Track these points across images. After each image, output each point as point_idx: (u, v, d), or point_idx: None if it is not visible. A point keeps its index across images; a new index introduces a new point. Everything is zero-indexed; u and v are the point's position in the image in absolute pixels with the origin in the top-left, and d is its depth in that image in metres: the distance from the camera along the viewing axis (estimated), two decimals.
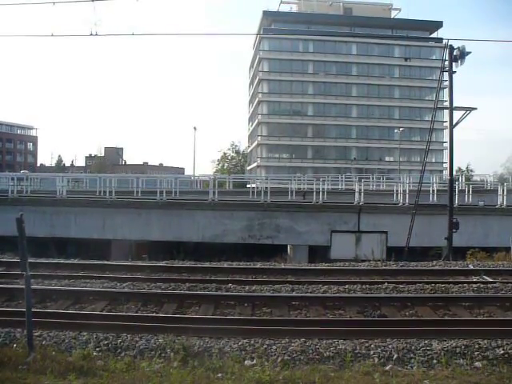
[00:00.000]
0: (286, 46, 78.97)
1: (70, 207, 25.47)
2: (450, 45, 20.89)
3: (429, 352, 7.39)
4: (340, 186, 38.22)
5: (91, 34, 14.23)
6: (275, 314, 9.43)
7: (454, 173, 27.68)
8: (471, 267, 14.50)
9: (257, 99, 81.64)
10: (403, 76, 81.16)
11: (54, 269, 12.89)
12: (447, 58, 21.18)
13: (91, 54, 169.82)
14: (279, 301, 10.09)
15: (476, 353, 7.37)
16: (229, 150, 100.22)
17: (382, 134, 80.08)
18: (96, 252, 20.50)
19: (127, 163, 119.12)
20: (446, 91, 23.65)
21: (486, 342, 7.64)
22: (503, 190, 27.23)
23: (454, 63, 21.00)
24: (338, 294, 10.66)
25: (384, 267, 14.46)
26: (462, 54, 20.60)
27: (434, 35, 78.83)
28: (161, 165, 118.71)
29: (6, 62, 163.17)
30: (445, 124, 61.35)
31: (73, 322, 8.30)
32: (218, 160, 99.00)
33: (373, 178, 42.01)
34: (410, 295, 10.74)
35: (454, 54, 20.78)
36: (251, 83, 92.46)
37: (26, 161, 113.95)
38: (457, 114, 22.37)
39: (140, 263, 14.68)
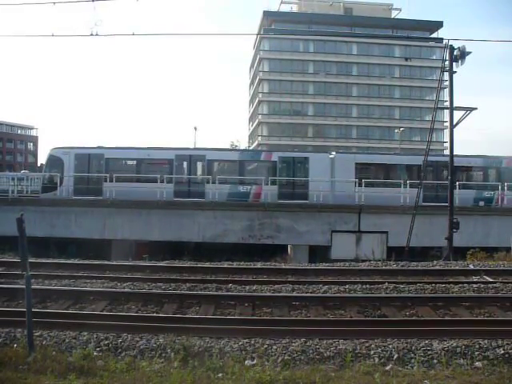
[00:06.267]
0: (287, 46, 78.90)
1: (71, 207, 25.49)
2: (451, 45, 20.90)
3: (429, 352, 7.38)
4: None
5: (91, 34, 14.25)
6: (276, 314, 9.43)
7: None
8: (472, 267, 14.50)
9: (257, 99, 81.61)
10: (404, 76, 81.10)
11: (55, 269, 12.91)
12: (447, 58, 21.19)
13: (91, 55, 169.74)
14: (280, 301, 10.09)
15: (476, 353, 7.37)
16: None
17: (382, 134, 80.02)
18: (96, 252, 20.53)
19: None
20: (447, 91, 23.63)
21: (486, 341, 7.64)
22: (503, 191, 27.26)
23: (454, 63, 21.01)
24: (338, 294, 10.66)
25: (384, 267, 14.46)
26: (463, 54, 20.60)
27: (434, 35, 78.71)
28: None
29: (7, 62, 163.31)
30: (445, 124, 61.37)
31: (73, 322, 8.30)
32: None
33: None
34: (410, 295, 10.73)
35: (455, 54, 20.79)
36: (251, 83, 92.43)
37: (27, 161, 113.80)
38: (457, 114, 22.43)
39: (140, 263, 14.70)
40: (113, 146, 30.07)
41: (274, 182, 27.43)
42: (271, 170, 28.33)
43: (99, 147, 29.19)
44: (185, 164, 28.46)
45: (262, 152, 29.74)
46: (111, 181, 26.61)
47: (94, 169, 28.22)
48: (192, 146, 28.84)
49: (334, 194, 26.87)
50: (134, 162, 28.89)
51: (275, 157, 28.79)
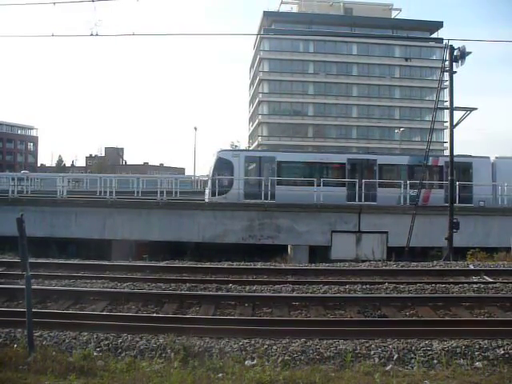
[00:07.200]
0: (287, 46, 78.89)
1: (71, 207, 25.45)
2: (451, 45, 20.90)
3: (429, 352, 7.38)
4: None
5: (91, 35, 14.25)
6: (276, 314, 9.43)
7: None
8: (472, 267, 14.50)
9: (257, 99, 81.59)
10: (404, 76, 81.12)
11: (55, 269, 12.91)
12: (447, 58, 21.19)
13: (91, 55, 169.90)
14: (280, 301, 10.09)
15: (476, 353, 7.37)
16: None
17: (382, 134, 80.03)
18: (96, 252, 20.51)
19: (128, 163, 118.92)
20: (447, 91, 23.62)
21: (486, 342, 7.64)
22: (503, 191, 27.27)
23: (454, 63, 21.01)
24: (338, 294, 10.66)
25: (384, 267, 14.46)
26: (463, 54, 20.60)
27: (434, 35, 78.69)
28: (161, 165, 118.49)
29: (7, 62, 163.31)
30: (445, 124, 61.33)
31: (73, 322, 8.30)
32: None
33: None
34: (410, 295, 10.73)
35: (455, 54, 20.79)
36: (252, 83, 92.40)
37: (27, 161, 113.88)
38: (457, 114, 22.44)
39: (140, 263, 14.69)
40: (283, 149, 30.20)
41: (440, 186, 27.96)
42: (437, 175, 29.08)
43: (268, 150, 29.25)
44: (356, 168, 29.00)
45: (430, 157, 30.76)
46: (285, 184, 26.87)
47: (265, 172, 28.16)
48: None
49: (497, 197, 27.58)
50: (306, 166, 29.26)
51: (441, 162, 29.37)
